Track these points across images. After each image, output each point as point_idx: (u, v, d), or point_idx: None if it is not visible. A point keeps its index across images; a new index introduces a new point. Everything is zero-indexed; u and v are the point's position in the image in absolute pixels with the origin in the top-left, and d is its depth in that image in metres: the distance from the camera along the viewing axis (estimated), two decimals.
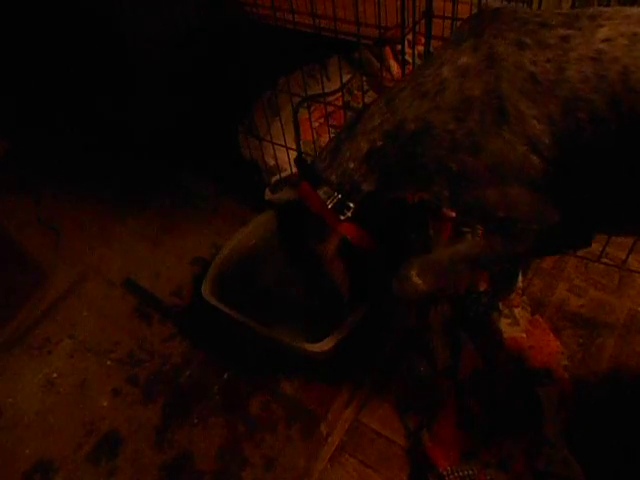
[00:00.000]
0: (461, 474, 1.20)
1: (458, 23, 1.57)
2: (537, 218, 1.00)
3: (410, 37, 2.00)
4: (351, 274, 1.24)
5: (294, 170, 1.73)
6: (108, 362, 1.54)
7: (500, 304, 1.48)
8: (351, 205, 1.12)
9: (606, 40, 0.87)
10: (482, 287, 1.52)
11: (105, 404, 1.45)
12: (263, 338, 1.37)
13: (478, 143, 0.95)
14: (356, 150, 1.08)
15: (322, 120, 1.90)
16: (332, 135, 1.76)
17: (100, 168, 2.10)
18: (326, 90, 1.90)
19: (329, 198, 1.11)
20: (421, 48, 1.75)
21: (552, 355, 1.37)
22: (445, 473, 1.20)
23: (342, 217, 1.12)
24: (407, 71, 1.56)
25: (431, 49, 1.56)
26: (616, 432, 1.23)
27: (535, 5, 1.40)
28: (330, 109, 1.83)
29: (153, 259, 1.78)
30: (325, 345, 1.29)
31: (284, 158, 1.73)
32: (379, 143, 1.06)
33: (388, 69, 1.97)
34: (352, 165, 1.09)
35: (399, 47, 2.02)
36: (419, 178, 1.06)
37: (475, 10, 1.45)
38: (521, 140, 0.92)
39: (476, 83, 0.94)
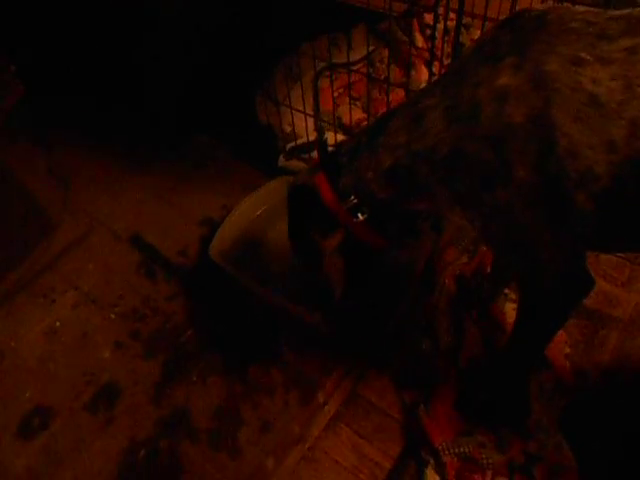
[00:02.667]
0: (456, 451, 1.21)
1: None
2: (562, 264, 0.93)
3: (440, 11, 1.95)
4: (346, 276, 1.22)
5: (311, 137, 1.71)
6: (112, 315, 1.54)
7: (506, 289, 1.48)
8: (364, 210, 1.07)
9: None
10: (488, 270, 1.52)
11: (106, 356, 1.46)
12: (268, 303, 1.37)
13: (514, 179, 0.84)
14: (377, 162, 1.01)
15: (342, 90, 1.87)
16: (352, 106, 1.73)
17: (112, 125, 2.07)
18: (349, 60, 1.86)
19: (345, 199, 1.07)
20: (450, 24, 1.71)
21: (555, 343, 1.37)
22: (440, 448, 1.21)
23: (355, 219, 1.08)
24: (433, 44, 1.52)
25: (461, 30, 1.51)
26: (614, 423, 1.24)
27: None
28: (351, 79, 1.80)
29: (161, 216, 1.78)
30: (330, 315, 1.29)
31: (301, 125, 1.70)
32: (405, 161, 0.98)
33: (413, 42, 1.93)
34: (370, 175, 1.03)
35: (426, 20, 1.97)
36: (452, 200, 0.98)
37: None
38: (568, 175, 0.81)
39: (518, 108, 0.81)
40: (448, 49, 1.75)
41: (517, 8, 1.41)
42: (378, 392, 1.36)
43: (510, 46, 0.85)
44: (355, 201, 1.06)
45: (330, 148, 1.15)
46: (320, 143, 1.16)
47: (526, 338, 1.14)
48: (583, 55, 0.79)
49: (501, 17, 1.70)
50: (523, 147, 0.82)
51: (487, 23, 1.35)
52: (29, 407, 1.37)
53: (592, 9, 0.85)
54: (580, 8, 0.87)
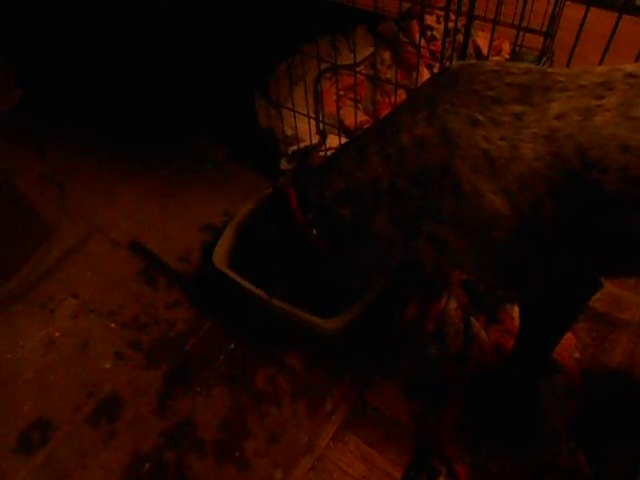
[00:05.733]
0: (468, 460, 1.19)
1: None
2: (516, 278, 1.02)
3: (441, 12, 1.94)
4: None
5: (313, 140, 1.69)
6: (112, 324, 1.51)
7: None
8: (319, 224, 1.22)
9: (559, 116, 0.86)
10: None
11: (107, 366, 1.42)
12: (275, 310, 1.34)
13: (440, 213, 0.98)
14: (333, 185, 1.15)
15: (343, 92, 1.85)
16: (354, 107, 1.71)
17: (110, 128, 2.04)
18: (349, 62, 1.84)
19: (308, 211, 1.21)
20: (452, 25, 1.69)
21: (564, 347, 1.35)
22: (452, 457, 1.19)
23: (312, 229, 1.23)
24: (444, 45, 1.48)
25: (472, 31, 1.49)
26: (625, 427, 1.22)
27: None
28: (351, 82, 1.78)
29: (161, 222, 1.74)
30: (337, 322, 1.26)
31: (304, 128, 1.68)
32: (353, 186, 1.12)
33: (414, 44, 1.91)
34: (327, 194, 1.17)
35: (426, 22, 1.96)
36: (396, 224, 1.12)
37: None
38: (479, 214, 0.93)
39: (432, 156, 0.95)
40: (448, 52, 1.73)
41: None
42: (387, 400, 1.33)
43: (426, 101, 0.99)
44: (310, 217, 1.22)
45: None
46: (301, 160, 1.38)
47: (531, 342, 1.15)
48: (479, 117, 0.91)
49: (509, 20, 1.70)
50: (439, 189, 0.96)
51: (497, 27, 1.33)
52: (28, 421, 1.33)
53: (499, 66, 0.97)
54: (488, 65, 0.98)
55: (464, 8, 1.26)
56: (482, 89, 0.93)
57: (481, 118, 0.91)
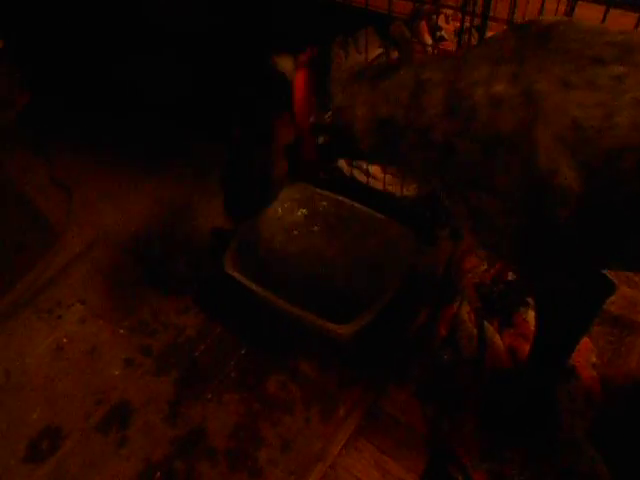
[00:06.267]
0: (485, 467, 1.17)
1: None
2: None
3: (449, 11, 1.92)
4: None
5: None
6: (120, 330, 1.49)
7: (529, 298, 1.44)
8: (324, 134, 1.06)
9: None
10: (509, 277, 1.48)
11: (116, 373, 1.40)
12: (287, 315, 1.32)
13: (498, 186, 0.87)
14: (372, 105, 0.98)
15: None
16: None
17: (114, 134, 2.02)
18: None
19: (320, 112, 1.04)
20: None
21: (581, 352, 1.33)
22: (468, 464, 1.17)
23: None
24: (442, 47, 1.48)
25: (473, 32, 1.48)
26: None
27: None
28: None
29: (168, 226, 1.72)
30: (351, 327, 1.24)
31: None
32: (400, 122, 0.96)
33: (422, 44, 1.89)
34: (361, 113, 0.99)
35: (435, 22, 1.94)
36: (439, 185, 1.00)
37: None
38: (549, 189, 0.84)
39: (508, 119, 0.83)
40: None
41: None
42: (400, 406, 1.31)
43: (512, 53, 0.86)
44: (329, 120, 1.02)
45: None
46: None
47: (548, 346, 1.11)
48: (574, 78, 0.80)
49: (519, 19, 1.68)
50: (508, 159, 0.84)
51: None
52: (37, 429, 1.32)
53: (595, 27, 0.86)
54: (582, 23, 0.87)
55: (478, 9, 1.24)
56: (580, 47, 0.82)
57: (576, 80, 0.79)
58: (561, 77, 0.81)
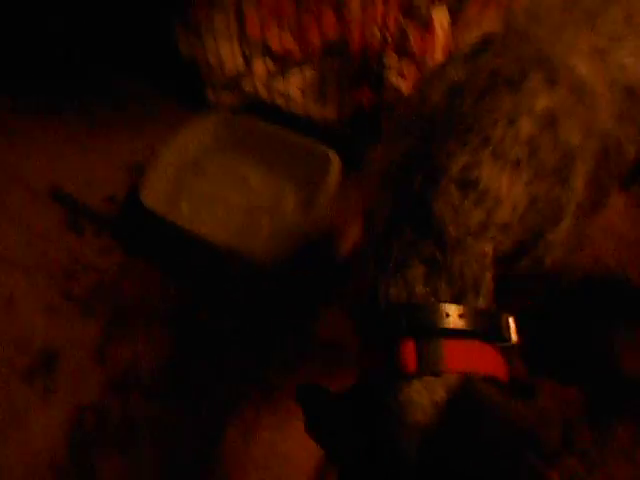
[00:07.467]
0: None
1: None
2: None
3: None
4: None
5: (239, 69, 1.58)
6: (39, 277, 1.41)
7: None
8: None
9: None
10: None
11: (38, 320, 1.34)
12: (211, 248, 1.29)
13: (575, 189, 0.72)
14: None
15: (266, 13, 1.72)
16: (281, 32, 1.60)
17: (10, 67, 1.83)
18: None
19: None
20: None
21: None
22: None
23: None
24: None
25: None
26: None
27: None
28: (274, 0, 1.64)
29: (82, 165, 1.61)
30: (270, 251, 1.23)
31: (227, 54, 1.56)
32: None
33: None
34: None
35: None
36: None
37: None
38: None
39: (572, 128, 0.68)
40: None
41: None
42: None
43: (530, 60, 0.70)
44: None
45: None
46: None
47: None
48: (605, 45, 0.72)
49: None
50: (585, 163, 0.72)
51: None
52: None
53: None
54: None
55: None
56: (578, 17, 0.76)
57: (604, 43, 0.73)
58: (593, 47, 0.73)
